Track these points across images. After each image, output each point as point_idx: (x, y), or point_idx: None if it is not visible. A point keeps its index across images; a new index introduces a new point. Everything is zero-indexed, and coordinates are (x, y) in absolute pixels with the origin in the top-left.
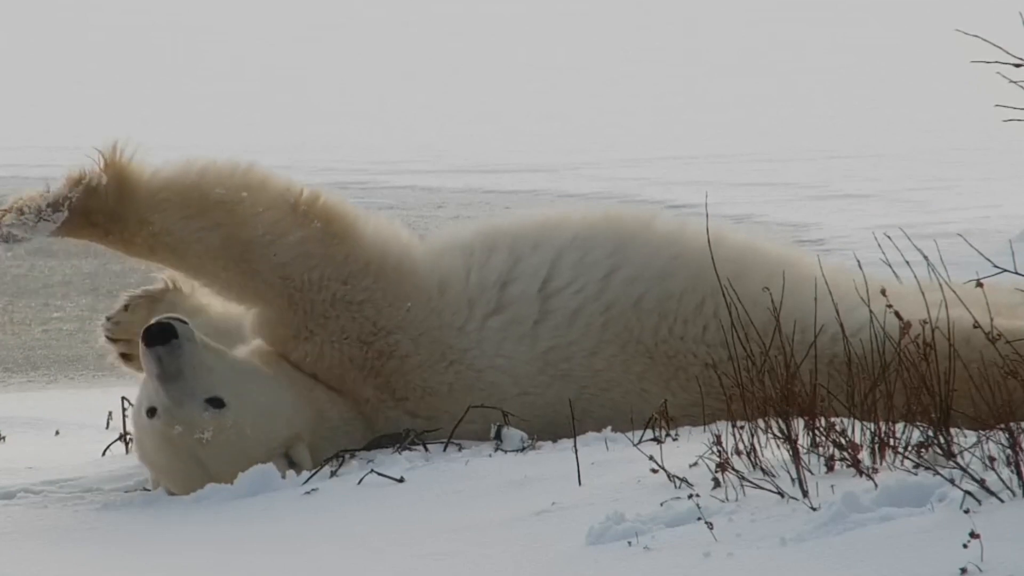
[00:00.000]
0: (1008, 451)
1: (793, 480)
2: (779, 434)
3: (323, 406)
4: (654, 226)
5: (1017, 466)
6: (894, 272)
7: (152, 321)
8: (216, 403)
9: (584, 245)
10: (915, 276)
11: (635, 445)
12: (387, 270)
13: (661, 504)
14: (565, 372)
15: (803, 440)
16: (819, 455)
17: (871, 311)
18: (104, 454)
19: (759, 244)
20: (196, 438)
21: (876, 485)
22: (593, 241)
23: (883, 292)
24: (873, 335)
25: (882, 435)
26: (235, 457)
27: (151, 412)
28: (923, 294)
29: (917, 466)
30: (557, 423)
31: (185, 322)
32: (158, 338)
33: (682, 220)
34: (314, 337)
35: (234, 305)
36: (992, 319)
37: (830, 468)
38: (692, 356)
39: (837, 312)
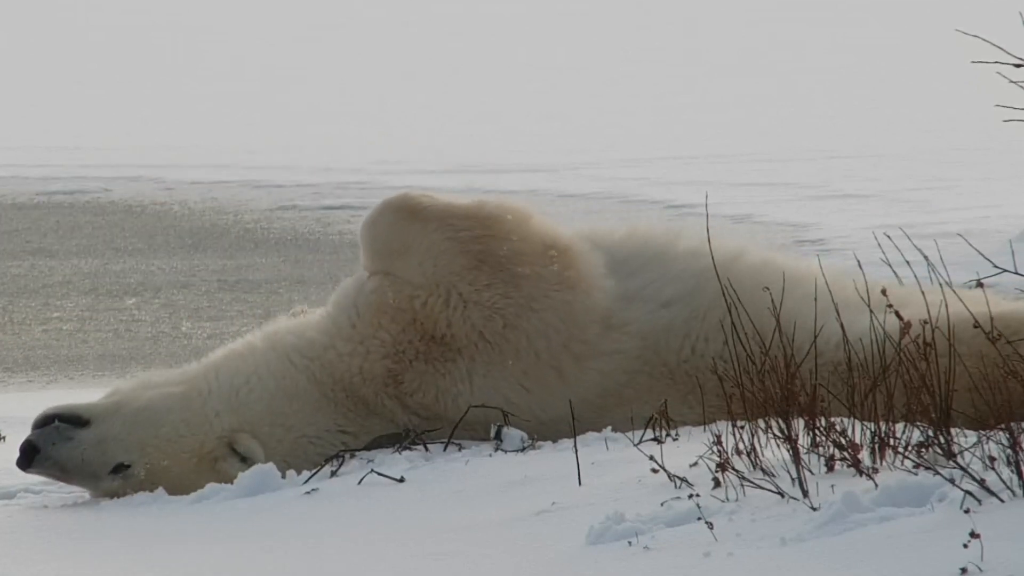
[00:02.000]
0: (1008, 451)
1: (793, 480)
2: (779, 434)
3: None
4: (680, 243)
5: (1017, 466)
6: (894, 272)
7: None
8: (119, 468)
9: (619, 270)
10: (915, 276)
11: (635, 445)
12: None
13: (661, 504)
14: (600, 407)
15: (803, 440)
16: (819, 455)
17: (871, 312)
18: None
19: (778, 259)
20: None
21: (876, 485)
22: (626, 267)
23: (883, 292)
24: (873, 336)
25: (882, 435)
26: (173, 483)
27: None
28: (923, 294)
29: (917, 466)
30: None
31: (53, 418)
32: (23, 463)
33: (702, 234)
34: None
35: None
36: (992, 318)
37: (830, 468)
38: (711, 372)
39: (843, 327)
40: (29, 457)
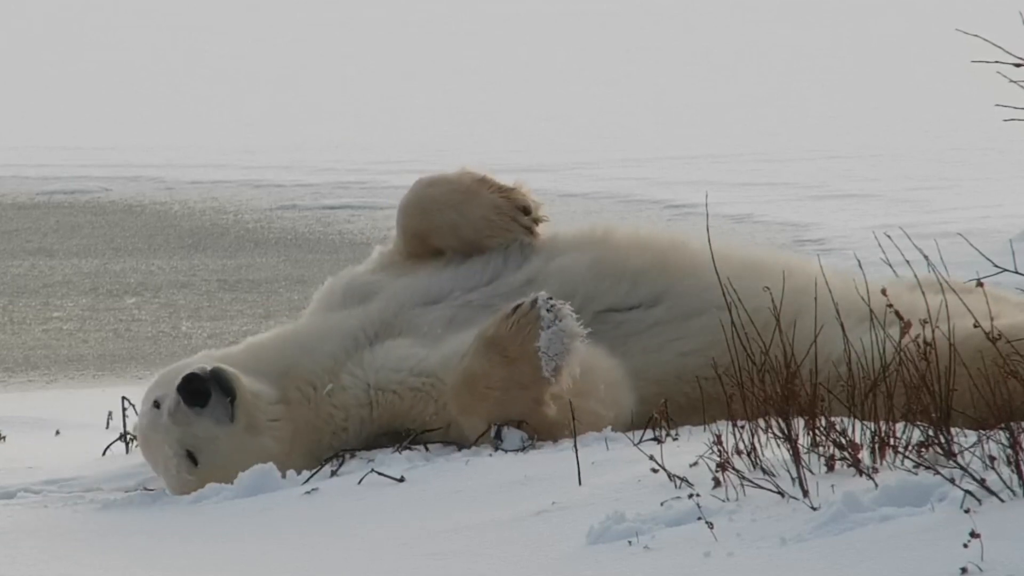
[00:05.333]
0: (1008, 451)
1: (793, 480)
2: (779, 434)
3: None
4: (690, 248)
5: (1017, 466)
6: (894, 272)
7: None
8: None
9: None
10: (915, 276)
11: (635, 445)
12: None
13: (661, 504)
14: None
15: (803, 440)
16: (819, 455)
17: (872, 312)
18: (104, 454)
19: (794, 263)
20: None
21: (876, 485)
22: (637, 293)
23: (883, 292)
24: (874, 336)
25: (882, 435)
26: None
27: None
28: (923, 293)
29: (917, 466)
30: None
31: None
32: (196, 400)
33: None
34: None
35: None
36: (992, 320)
37: (830, 468)
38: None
39: (845, 335)
40: (204, 399)
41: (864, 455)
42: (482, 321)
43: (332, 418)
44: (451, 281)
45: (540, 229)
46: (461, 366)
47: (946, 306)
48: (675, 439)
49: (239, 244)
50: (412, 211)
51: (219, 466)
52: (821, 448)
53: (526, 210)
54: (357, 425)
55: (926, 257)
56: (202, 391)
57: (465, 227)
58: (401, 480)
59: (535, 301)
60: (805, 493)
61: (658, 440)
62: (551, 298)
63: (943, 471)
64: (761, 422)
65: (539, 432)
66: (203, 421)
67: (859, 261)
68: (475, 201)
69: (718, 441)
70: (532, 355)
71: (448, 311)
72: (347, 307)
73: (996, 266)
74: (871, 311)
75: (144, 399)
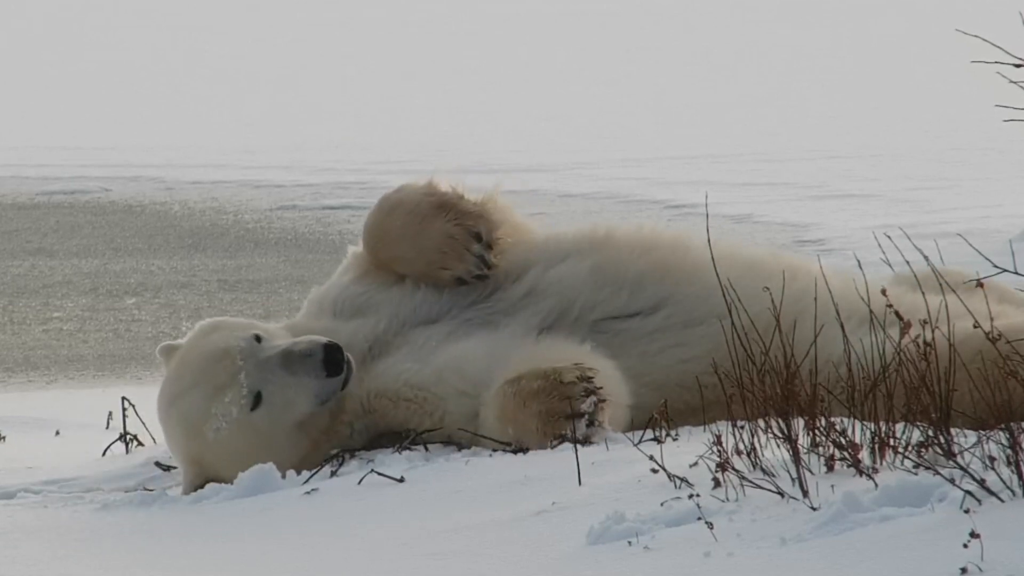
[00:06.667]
0: (1008, 451)
1: (793, 480)
2: (779, 434)
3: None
4: (691, 252)
5: (1017, 466)
6: (894, 272)
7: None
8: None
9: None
10: (915, 276)
11: (635, 445)
12: None
13: (661, 504)
14: None
15: (803, 440)
16: (819, 455)
17: (872, 313)
18: (104, 454)
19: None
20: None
21: (876, 485)
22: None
23: (883, 292)
24: (874, 337)
25: (882, 435)
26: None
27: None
28: (923, 293)
29: (917, 466)
30: None
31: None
32: (330, 365)
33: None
34: None
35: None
36: (992, 320)
37: (830, 468)
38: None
39: (845, 336)
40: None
41: (864, 455)
42: (478, 335)
43: (337, 432)
44: (450, 300)
45: (496, 258)
46: (502, 392)
47: (946, 307)
48: (675, 439)
49: (239, 244)
50: (373, 238)
51: (266, 426)
52: (821, 448)
53: (479, 237)
54: (362, 434)
55: (926, 257)
56: (339, 364)
57: (418, 260)
58: (401, 480)
59: (582, 397)
60: (805, 493)
61: (658, 440)
62: (602, 402)
63: (943, 471)
64: (761, 422)
65: None
66: (309, 383)
67: (859, 261)
68: (428, 231)
69: (718, 441)
70: (544, 441)
71: (446, 327)
72: (340, 319)
73: (996, 266)
74: (871, 312)
75: (230, 327)
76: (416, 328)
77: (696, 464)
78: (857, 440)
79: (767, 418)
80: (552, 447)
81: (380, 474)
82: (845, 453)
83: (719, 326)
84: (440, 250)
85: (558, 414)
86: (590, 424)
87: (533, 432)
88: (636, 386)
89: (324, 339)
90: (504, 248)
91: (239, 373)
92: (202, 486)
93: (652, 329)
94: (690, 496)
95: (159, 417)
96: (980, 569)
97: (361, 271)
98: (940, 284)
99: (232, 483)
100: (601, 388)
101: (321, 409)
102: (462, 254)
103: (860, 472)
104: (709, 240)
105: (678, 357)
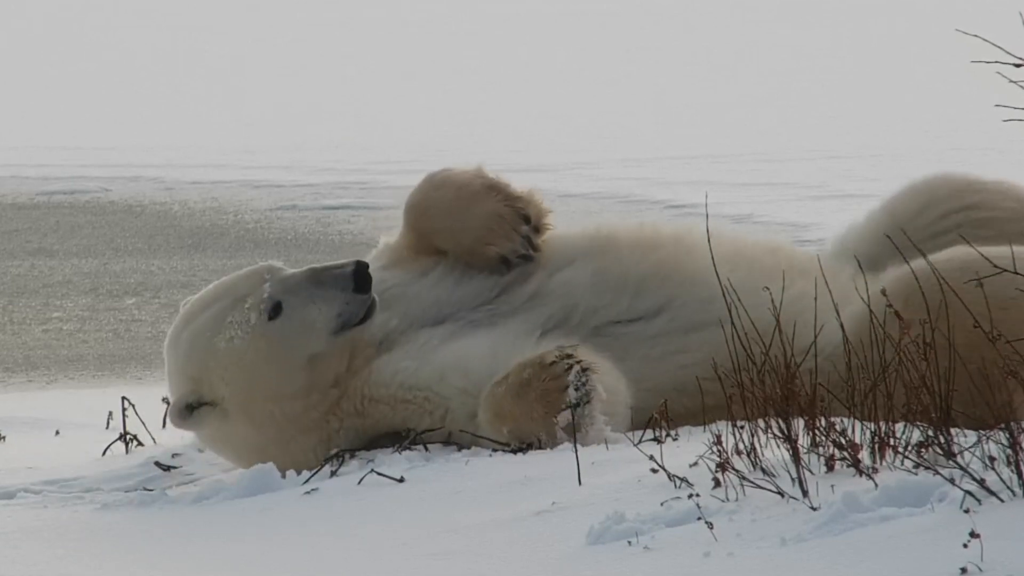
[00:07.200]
0: (1008, 451)
1: (793, 480)
2: (779, 434)
3: None
4: (694, 253)
5: (1017, 466)
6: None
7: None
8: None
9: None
10: (915, 276)
11: (635, 445)
12: None
13: (661, 504)
14: None
15: (803, 440)
16: (819, 455)
17: (871, 311)
18: (104, 454)
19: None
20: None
21: (876, 485)
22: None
23: (883, 292)
24: (874, 337)
25: (882, 435)
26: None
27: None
28: (923, 293)
29: (917, 466)
30: None
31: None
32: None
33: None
34: None
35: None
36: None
37: (830, 468)
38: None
39: (845, 336)
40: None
41: (864, 455)
42: (480, 334)
43: (327, 423)
44: (458, 301)
45: (542, 243)
46: (492, 393)
47: (946, 306)
48: (675, 439)
49: (239, 244)
50: (417, 212)
51: (280, 341)
52: (821, 448)
53: (527, 219)
54: (351, 434)
55: (925, 257)
56: (367, 281)
57: (465, 234)
58: (401, 480)
59: (568, 370)
60: (805, 493)
61: (658, 440)
62: (585, 370)
63: (943, 471)
64: (761, 422)
65: None
66: (335, 295)
67: (859, 261)
68: (478, 208)
69: (718, 441)
70: (550, 425)
71: (449, 328)
72: None
73: (996, 266)
74: (871, 313)
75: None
76: (423, 329)
77: (696, 464)
78: (857, 440)
79: (767, 418)
80: (560, 427)
81: (380, 474)
82: (845, 453)
83: (720, 332)
84: (488, 227)
85: (554, 392)
86: (582, 393)
87: (537, 419)
88: (637, 391)
89: (361, 260)
90: (549, 236)
91: (263, 284)
92: (190, 408)
93: (654, 334)
94: (690, 496)
95: (167, 345)
96: (980, 569)
97: (388, 262)
98: (940, 284)
99: (226, 407)
100: (583, 359)
101: (334, 348)
102: (510, 233)
103: (860, 472)
104: (709, 241)
105: (679, 362)
